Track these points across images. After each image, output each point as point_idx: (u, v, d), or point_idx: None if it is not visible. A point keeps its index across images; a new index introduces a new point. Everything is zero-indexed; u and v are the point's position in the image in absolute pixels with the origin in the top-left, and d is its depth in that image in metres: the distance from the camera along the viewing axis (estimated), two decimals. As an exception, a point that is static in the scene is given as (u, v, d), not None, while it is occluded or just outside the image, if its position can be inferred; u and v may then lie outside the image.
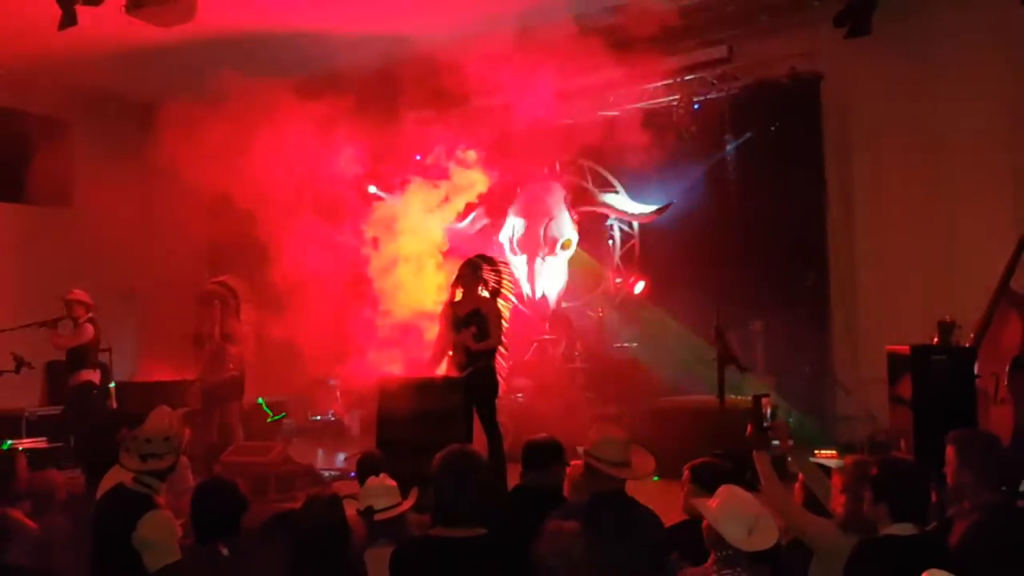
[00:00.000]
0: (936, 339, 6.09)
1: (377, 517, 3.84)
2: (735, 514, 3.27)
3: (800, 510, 3.97)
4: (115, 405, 9.79)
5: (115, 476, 4.41)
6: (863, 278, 9.75)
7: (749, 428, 4.15)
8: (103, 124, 12.07)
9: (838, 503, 3.83)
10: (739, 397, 8.32)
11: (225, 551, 3.51)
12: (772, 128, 10.04)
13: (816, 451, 7.92)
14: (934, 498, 3.85)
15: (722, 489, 3.43)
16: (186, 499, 3.99)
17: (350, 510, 3.80)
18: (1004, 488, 4.09)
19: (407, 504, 3.98)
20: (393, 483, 4.03)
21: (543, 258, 11.64)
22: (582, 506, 4.16)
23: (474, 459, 3.27)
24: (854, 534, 3.50)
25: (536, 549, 3.14)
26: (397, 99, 9.94)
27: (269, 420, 10.39)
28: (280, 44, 9.70)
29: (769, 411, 4.18)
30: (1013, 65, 8.95)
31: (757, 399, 4.19)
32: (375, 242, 8.76)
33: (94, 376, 9.26)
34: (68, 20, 8.38)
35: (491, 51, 8.89)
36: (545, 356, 10.80)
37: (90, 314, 9.17)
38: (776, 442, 4.20)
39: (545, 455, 4.63)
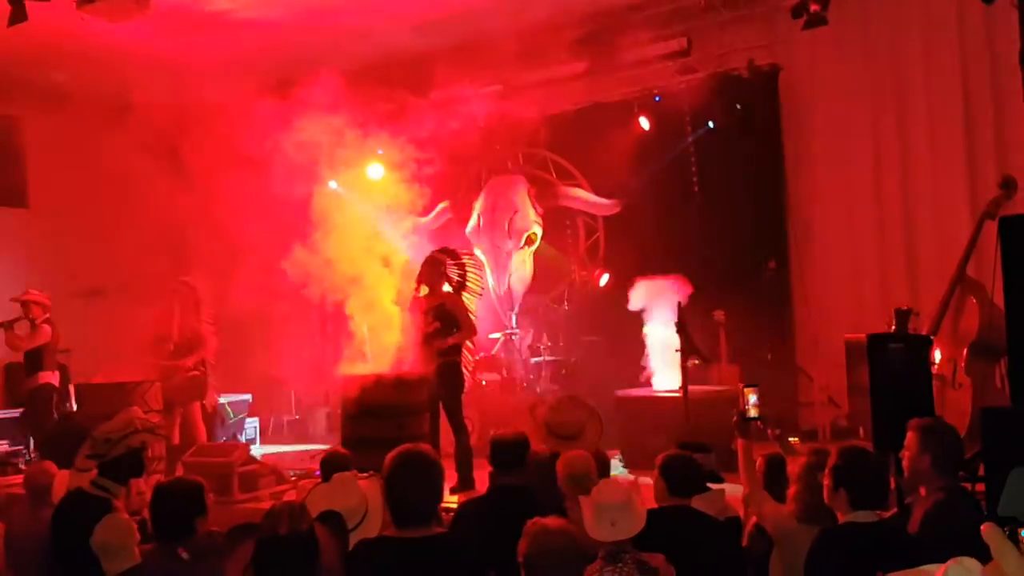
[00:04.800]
0: (893, 326, 6.16)
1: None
2: (600, 506, 3.21)
3: (763, 497, 4.01)
4: (75, 407, 9.63)
5: (64, 480, 4.35)
6: (823, 266, 9.85)
7: (735, 416, 4.23)
8: (59, 122, 11.86)
9: (793, 490, 3.88)
10: (703, 387, 8.40)
11: (185, 555, 3.46)
12: (731, 119, 10.09)
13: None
14: (892, 485, 3.92)
15: (599, 482, 3.44)
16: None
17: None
18: (962, 473, 4.17)
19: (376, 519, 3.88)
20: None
21: (508, 252, 11.62)
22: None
23: (426, 458, 3.21)
24: (810, 522, 3.53)
25: (521, 549, 3.09)
26: (357, 93, 9.86)
27: (231, 420, 10.28)
28: (238, 40, 9.58)
29: (754, 399, 4.27)
30: (968, 54, 9.07)
31: (742, 389, 4.35)
32: (333, 239, 8.69)
33: (53, 378, 9.11)
34: (17, 16, 8.18)
35: (452, 44, 8.88)
36: (511, 349, 10.80)
37: (47, 314, 9.02)
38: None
39: (515, 451, 4.50)
